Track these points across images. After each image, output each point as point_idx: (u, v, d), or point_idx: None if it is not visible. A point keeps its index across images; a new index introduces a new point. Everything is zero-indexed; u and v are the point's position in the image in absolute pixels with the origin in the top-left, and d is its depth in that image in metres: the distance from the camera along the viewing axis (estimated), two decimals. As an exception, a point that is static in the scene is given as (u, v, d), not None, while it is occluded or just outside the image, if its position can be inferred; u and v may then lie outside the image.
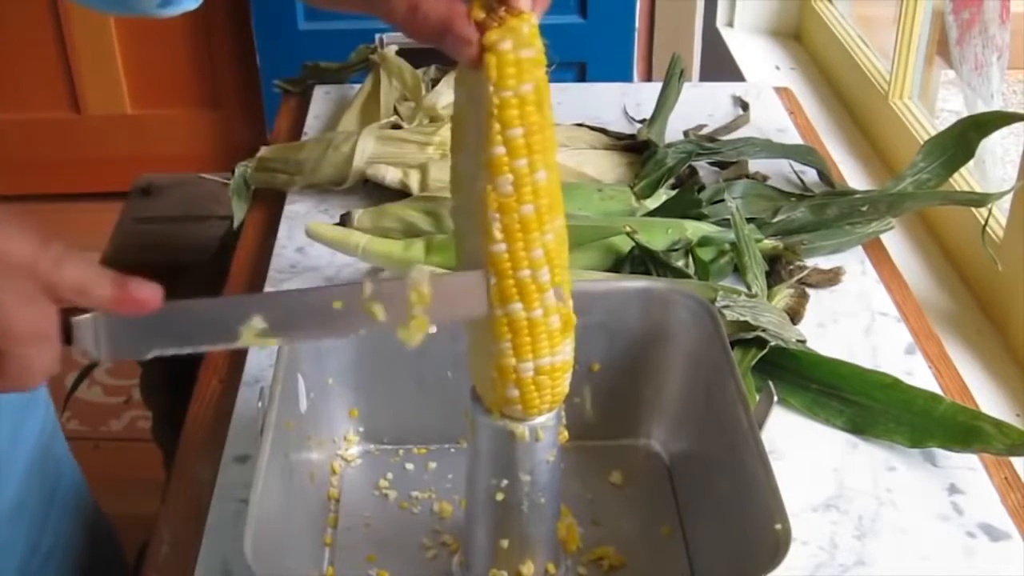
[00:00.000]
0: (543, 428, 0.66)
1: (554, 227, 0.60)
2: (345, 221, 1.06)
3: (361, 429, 0.84)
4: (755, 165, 1.19)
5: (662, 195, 1.10)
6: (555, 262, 0.60)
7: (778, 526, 0.63)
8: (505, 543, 0.69)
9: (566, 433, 0.69)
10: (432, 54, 1.31)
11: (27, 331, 0.51)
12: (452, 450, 0.83)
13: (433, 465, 0.83)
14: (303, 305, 0.59)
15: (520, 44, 0.57)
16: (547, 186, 0.59)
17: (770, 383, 0.73)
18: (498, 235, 0.58)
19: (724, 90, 1.41)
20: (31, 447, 0.85)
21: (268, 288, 1.00)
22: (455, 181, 0.63)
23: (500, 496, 0.68)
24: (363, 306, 0.58)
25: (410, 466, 0.83)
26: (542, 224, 0.59)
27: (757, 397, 0.76)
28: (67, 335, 0.54)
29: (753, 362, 0.87)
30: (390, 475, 0.82)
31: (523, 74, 0.57)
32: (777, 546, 0.62)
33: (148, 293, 0.53)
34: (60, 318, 0.53)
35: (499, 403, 0.64)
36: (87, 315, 0.54)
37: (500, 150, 0.57)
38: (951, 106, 1.61)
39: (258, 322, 0.57)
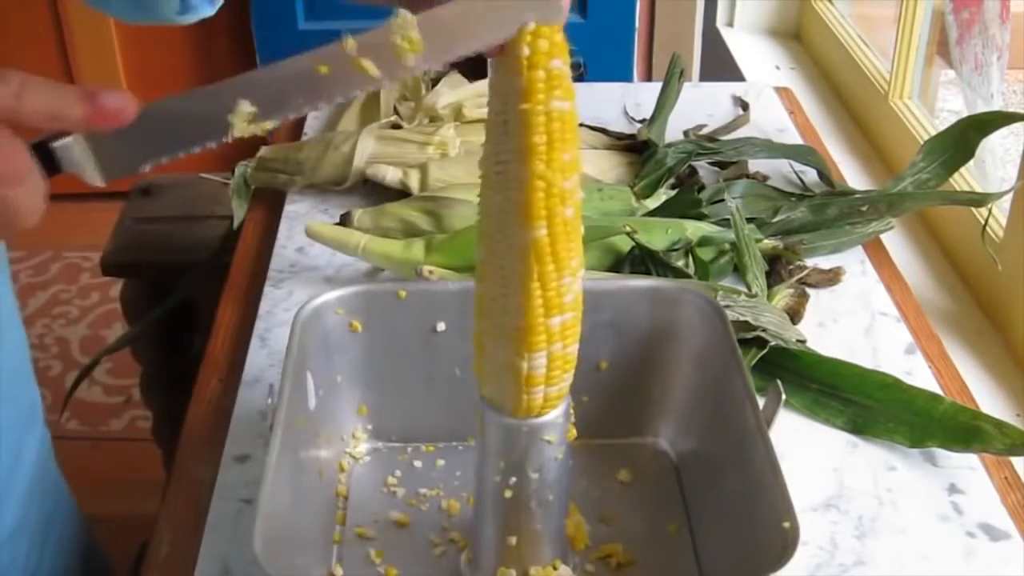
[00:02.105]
0: (551, 426, 0.66)
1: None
2: (345, 221, 1.06)
3: (370, 426, 0.84)
4: (755, 165, 1.19)
5: (662, 195, 1.10)
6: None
7: (786, 524, 0.63)
8: (513, 540, 0.69)
9: (574, 431, 0.69)
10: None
11: (3, 175, 0.48)
12: (460, 448, 0.83)
13: (441, 462, 0.83)
14: (288, 77, 0.55)
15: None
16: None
17: (778, 382, 0.73)
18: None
19: (724, 90, 1.41)
20: (31, 468, 0.85)
21: (268, 288, 1.00)
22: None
23: (508, 493, 0.68)
24: (352, 64, 0.55)
25: (418, 463, 0.83)
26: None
27: (758, 396, 0.76)
28: (53, 164, 0.51)
29: (753, 362, 0.87)
30: (398, 472, 0.82)
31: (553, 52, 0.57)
32: (785, 545, 0.62)
33: (120, 102, 0.50)
34: (36, 147, 0.50)
35: (508, 401, 0.65)
36: (67, 138, 0.51)
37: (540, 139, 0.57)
38: (951, 106, 1.61)
39: (246, 106, 0.53)
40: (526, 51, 0.57)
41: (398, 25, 0.55)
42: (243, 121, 0.54)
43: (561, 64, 0.58)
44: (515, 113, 0.58)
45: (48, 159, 0.51)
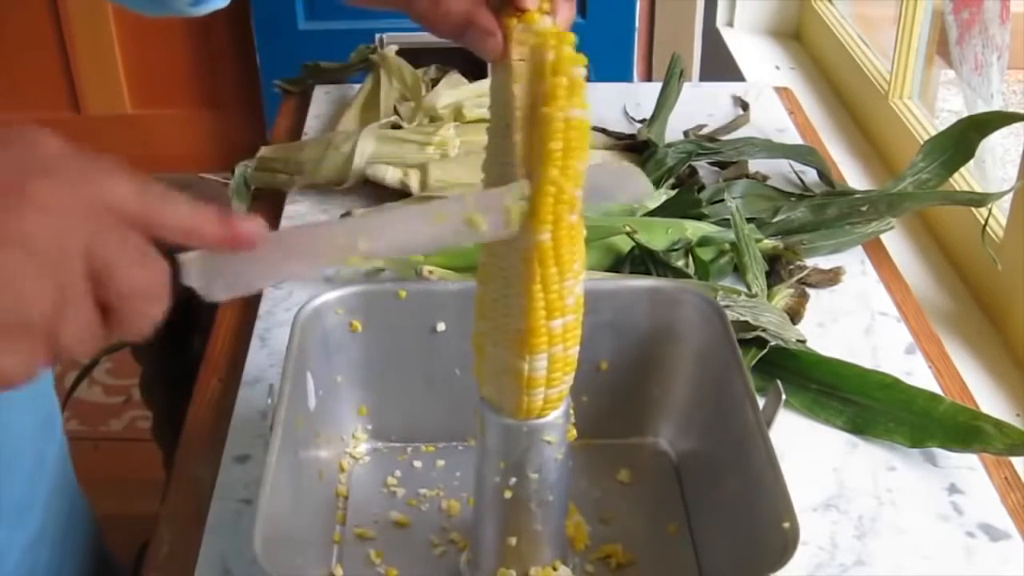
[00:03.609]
0: (551, 426, 0.66)
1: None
2: (345, 221, 1.06)
3: (370, 427, 0.84)
4: (755, 165, 1.19)
5: (662, 195, 1.09)
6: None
7: (786, 524, 0.63)
8: (513, 541, 0.69)
9: (574, 431, 0.69)
10: (432, 54, 1.31)
11: (142, 290, 0.49)
12: (460, 448, 0.83)
13: (441, 463, 0.83)
14: (406, 223, 0.58)
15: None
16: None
17: (778, 382, 0.73)
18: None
19: (724, 90, 1.41)
20: (52, 475, 0.85)
21: (268, 288, 1.00)
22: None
23: (508, 494, 0.68)
24: (465, 218, 0.58)
25: (418, 464, 0.83)
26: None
27: (758, 396, 0.76)
28: (177, 275, 0.52)
29: (753, 362, 0.87)
30: (398, 473, 0.82)
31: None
32: (785, 545, 0.62)
33: (253, 228, 0.51)
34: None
35: (508, 402, 0.65)
36: (193, 253, 0.52)
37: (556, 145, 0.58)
38: (951, 106, 1.61)
39: (363, 242, 0.56)
40: (551, 56, 0.57)
41: (515, 190, 0.58)
42: (357, 256, 0.56)
43: (582, 72, 0.58)
44: (526, 113, 0.57)
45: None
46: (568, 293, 0.61)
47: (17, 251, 0.44)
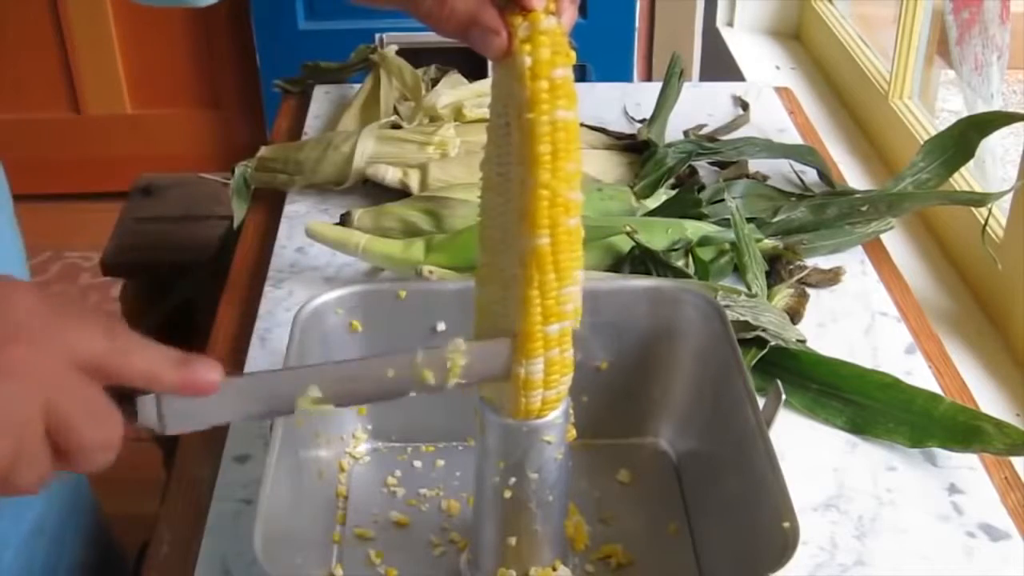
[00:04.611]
0: (551, 426, 0.66)
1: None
2: (345, 221, 1.06)
3: (369, 427, 0.84)
4: (755, 165, 1.19)
5: (662, 195, 1.10)
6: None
7: (786, 524, 0.63)
8: (513, 541, 0.69)
9: (574, 431, 0.69)
10: (432, 54, 1.31)
11: (97, 445, 0.52)
12: (460, 448, 0.83)
13: (441, 463, 0.83)
14: (358, 375, 0.61)
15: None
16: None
17: (778, 382, 0.73)
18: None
19: (724, 90, 1.41)
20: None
21: (268, 288, 1.00)
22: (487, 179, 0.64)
23: (508, 494, 0.68)
24: (414, 371, 0.60)
25: (418, 464, 0.83)
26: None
27: (758, 396, 0.76)
28: (132, 414, 0.55)
29: (753, 362, 0.87)
30: (398, 472, 0.82)
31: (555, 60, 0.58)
32: (785, 544, 0.62)
33: (211, 375, 0.54)
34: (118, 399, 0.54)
35: (507, 403, 0.65)
36: (150, 395, 0.55)
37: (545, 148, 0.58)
38: (951, 106, 1.61)
39: (314, 391, 0.58)
40: (528, 61, 0.57)
41: (452, 349, 0.61)
42: (308, 403, 0.58)
43: (564, 72, 0.57)
44: (517, 118, 0.58)
45: (125, 407, 0.54)
46: (567, 300, 0.61)
47: None
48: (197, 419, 0.57)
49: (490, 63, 0.60)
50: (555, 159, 0.58)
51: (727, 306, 0.87)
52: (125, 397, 0.54)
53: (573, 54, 0.58)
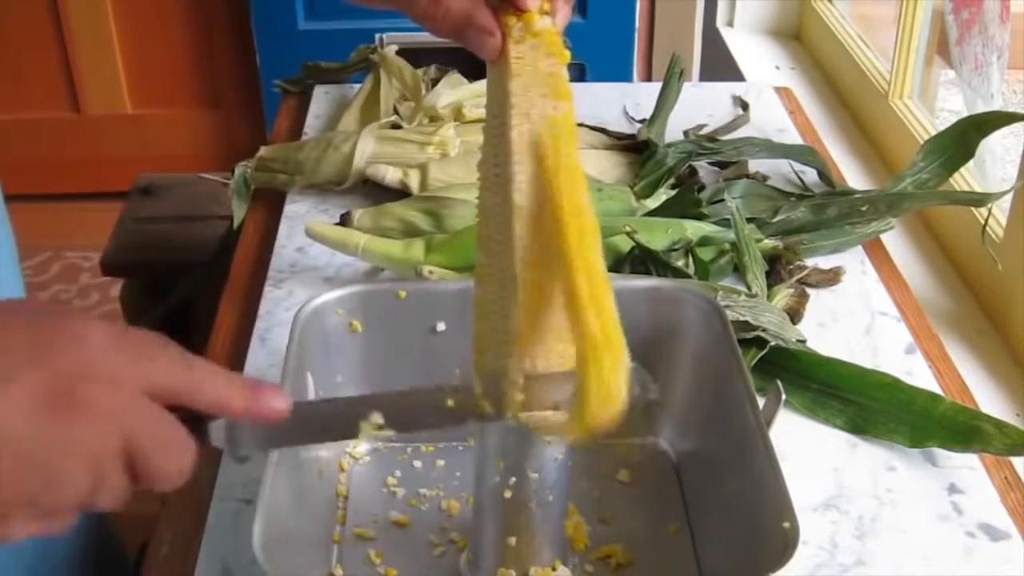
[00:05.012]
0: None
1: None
2: (345, 221, 1.06)
3: (369, 427, 0.84)
4: (755, 165, 1.19)
5: (662, 195, 1.10)
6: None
7: (786, 524, 0.63)
8: (513, 541, 0.69)
9: (574, 431, 0.69)
10: (432, 54, 1.31)
11: (171, 472, 0.53)
12: (460, 448, 0.83)
13: (441, 463, 0.83)
14: (418, 402, 0.61)
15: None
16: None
17: (778, 382, 0.73)
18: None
19: (724, 90, 1.41)
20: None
21: (268, 288, 1.00)
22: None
23: (508, 494, 0.68)
24: (475, 403, 0.60)
25: (418, 464, 0.83)
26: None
27: (758, 396, 0.76)
28: (199, 432, 0.56)
29: (753, 362, 0.87)
30: (398, 472, 0.82)
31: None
32: (785, 544, 0.62)
33: (278, 404, 0.55)
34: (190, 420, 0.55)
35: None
36: (221, 420, 0.56)
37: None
38: (951, 106, 1.61)
39: (377, 418, 0.59)
40: (515, 52, 0.57)
41: (511, 381, 0.61)
42: (371, 428, 0.59)
43: (554, 65, 0.58)
44: (510, 115, 0.58)
45: (197, 427, 0.56)
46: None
47: (61, 454, 0.49)
48: (266, 443, 0.59)
49: (489, 66, 0.60)
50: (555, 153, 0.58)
51: (727, 306, 0.87)
52: (196, 420, 0.55)
53: (568, 53, 0.58)
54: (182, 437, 0.54)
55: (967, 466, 0.82)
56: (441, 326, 0.82)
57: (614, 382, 0.59)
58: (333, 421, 0.60)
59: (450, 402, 0.60)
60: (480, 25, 0.58)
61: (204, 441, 0.56)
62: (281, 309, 0.97)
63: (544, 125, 0.58)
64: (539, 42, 0.57)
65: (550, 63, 0.58)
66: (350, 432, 0.59)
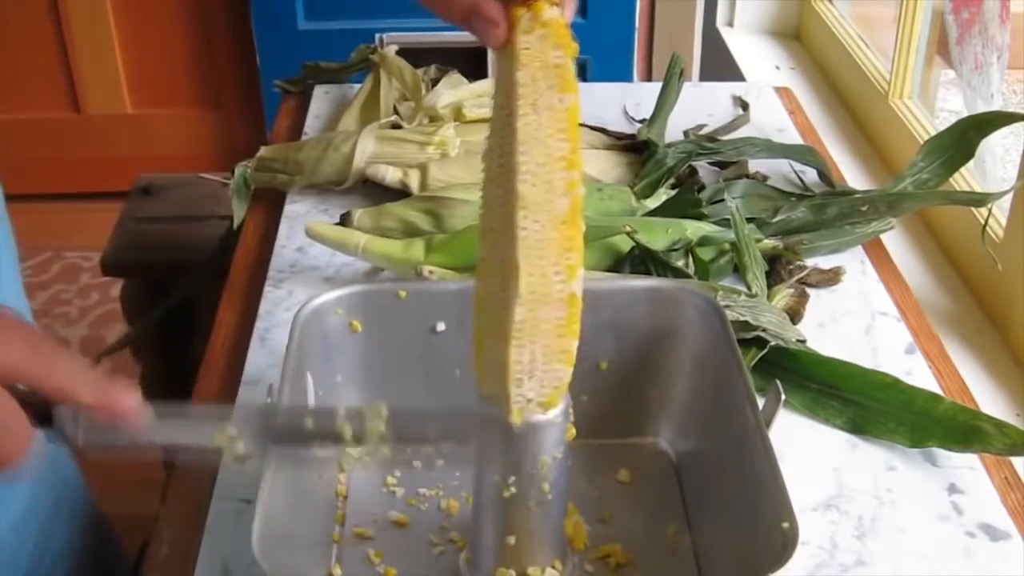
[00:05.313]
0: (551, 425, 0.66)
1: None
2: (345, 221, 1.06)
3: (369, 426, 0.84)
4: (755, 165, 1.19)
5: (662, 195, 1.10)
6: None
7: (786, 525, 0.63)
8: (512, 540, 0.69)
9: (574, 431, 0.69)
10: (432, 54, 1.31)
11: (5, 454, 0.53)
12: (460, 448, 0.83)
13: (441, 462, 0.83)
14: (275, 418, 0.62)
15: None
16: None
17: (777, 382, 0.73)
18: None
19: (724, 90, 1.41)
20: (38, 453, 0.85)
21: (268, 288, 1.00)
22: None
23: (507, 493, 0.68)
24: (336, 425, 0.61)
25: (418, 463, 0.83)
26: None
27: (758, 396, 0.76)
28: (47, 418, 0.55)
29: (753, 362, 0.87)
30: (397, 472, 0.82)
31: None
32: (784, 545, 0.62)
33: (127, 403, 0.55)
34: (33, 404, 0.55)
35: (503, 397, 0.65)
36: (68, 410, 0.56)
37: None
38: (951, 106, 1.61)
39: (231, 430, 0.59)
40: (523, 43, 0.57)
41: (372, 411, 0.63)
42: (225, 440, 0.59)
43: (561, 57, 0.58)
44: (516, 104, 0.58)
45: (43, 414, 0.55)
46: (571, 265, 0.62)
47: None
48: (111, 438, 0.58)
49: (495, 54, 0.60)
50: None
51: (727, 306, 0.87)
52: (43, 409, 0.55)
53: (575, 46, 0.59)
54: (20, 421, 0.53)
55: (967, 466, 0.82)
56: (441, 326, 0.82)
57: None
58: (185, 427, 0.60)
59: (309, 422, 0.61)
60: (486, 15, 0.58)
61: (48, 429, 0.56)
62: (281, 309, 0.97)
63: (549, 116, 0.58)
64: (547, 32, 0.58)
65: (557, 55, 0.58)
66: (203, 439, 0.60)
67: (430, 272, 0.95)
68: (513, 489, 0.68)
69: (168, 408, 0.60)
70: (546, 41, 0.58)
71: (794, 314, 0.96)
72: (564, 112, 0.59)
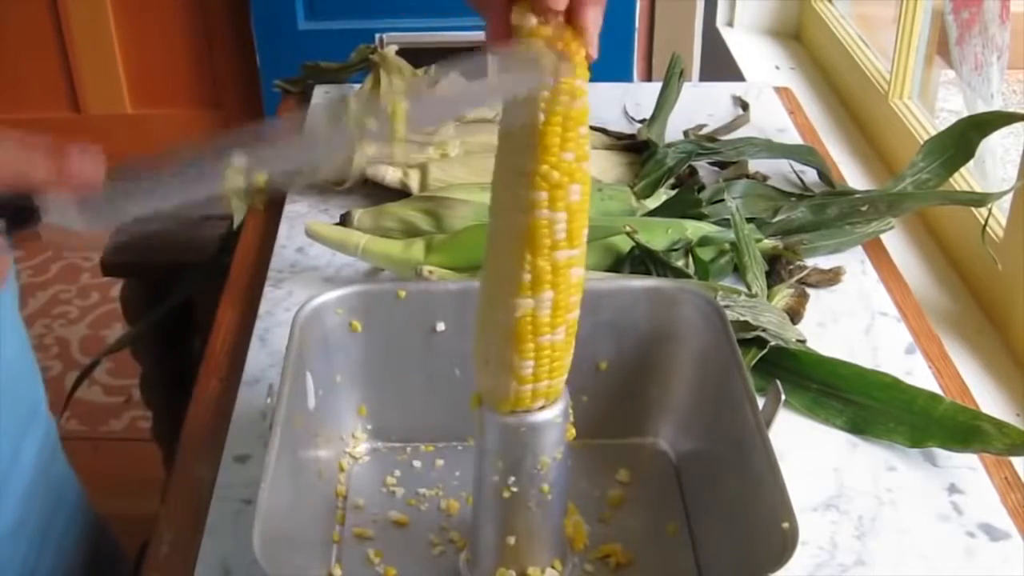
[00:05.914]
0: (550, 425, 0.66)
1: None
2: (345, 221, 1.06)
3: (369, 426, 0.84)
4: (755, 165, 1.19)
5: (662, 195, 1.10)
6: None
7: (786, 525, 0.63)
8: (512, 540, 0.69)
9: (573, 431, 0.69)
10: (432, 54, 1.31)
11: None
12: (460, 447, 0.83)
13: (441, 462, 0.83)
14: (282, 132, 0.54)
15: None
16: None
17: (777, 382, 0.73)
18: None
19: (724, 90, 1.41)
20: (30, 467, 0.85)
21: (268, 288, 1.00)
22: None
23: (507, 494, 0.68)
24: (352, 120, 0.54)
25: (418, 463, 0.83)
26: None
27: (758, 396, 0.76)
28: (33, 216, 0.48)
29: (753, 362, 0.87)
30: (398, 472, 0.82)
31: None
32: (784, 545, 0.62)
33: (89, 167, 0.47)
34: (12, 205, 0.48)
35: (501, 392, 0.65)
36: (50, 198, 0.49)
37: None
38: (951, 106, 1.61)
39: (239, 160, 0.52)
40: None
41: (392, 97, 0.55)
42: (237, 175, 0.52)
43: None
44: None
45: (28, 213, 0.48)
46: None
47: None
48: (113, 209, 0.50)
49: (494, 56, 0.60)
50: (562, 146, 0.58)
51: (727, 306, 0.87)
52: (11, 210, 0.47)
53: (584, 51, 0.59)
54: None
55: (967, 466, 0.82)
56: (441, 326, 0.82)
57: None
58: (189, 170, 0.51)
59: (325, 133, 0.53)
60: (491, 28, 0.57)
61: (35, 219, 0.48)
62: (281, 309, 0.97)
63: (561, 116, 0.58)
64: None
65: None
66: (213, 181, 0.51)
67: (430, 272, 0.95)
68: (513, 489, 0.68)
69: (152, 161, 0.51)
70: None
71: (794, 314, 0.96)
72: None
